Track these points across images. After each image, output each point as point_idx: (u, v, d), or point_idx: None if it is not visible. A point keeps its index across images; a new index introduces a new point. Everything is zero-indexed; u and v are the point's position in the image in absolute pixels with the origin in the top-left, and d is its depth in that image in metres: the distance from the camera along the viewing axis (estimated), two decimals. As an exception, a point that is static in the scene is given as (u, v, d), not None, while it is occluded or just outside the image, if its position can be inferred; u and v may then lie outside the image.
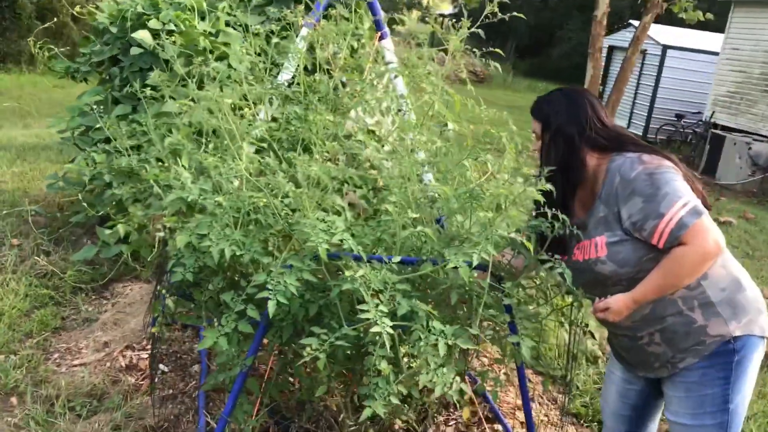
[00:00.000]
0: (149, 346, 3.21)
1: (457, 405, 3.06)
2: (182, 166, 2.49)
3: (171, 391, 3.02)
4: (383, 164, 2.47)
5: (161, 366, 3.22)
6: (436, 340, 1.91)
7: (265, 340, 2.44)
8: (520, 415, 3.20)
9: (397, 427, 2.65)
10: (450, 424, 2.99)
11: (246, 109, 2.61)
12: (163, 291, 2.54)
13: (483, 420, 2.98)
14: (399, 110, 3.01)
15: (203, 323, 2.53)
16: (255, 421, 2.41)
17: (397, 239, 2.11)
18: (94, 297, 4.11)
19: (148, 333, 3.19)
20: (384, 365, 1.97)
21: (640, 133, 15.50)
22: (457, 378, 1.96)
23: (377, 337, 1.84)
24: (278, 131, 2.89)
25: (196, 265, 2.25)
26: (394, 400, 1.95)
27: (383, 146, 3.04)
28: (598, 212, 2.03)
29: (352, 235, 2.04)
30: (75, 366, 3.22)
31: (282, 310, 2.25)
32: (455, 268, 1.95)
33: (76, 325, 3.70)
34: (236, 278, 2.40)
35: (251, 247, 2.17)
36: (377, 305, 1.86)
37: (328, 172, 2.09)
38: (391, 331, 1.82)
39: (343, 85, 3.45)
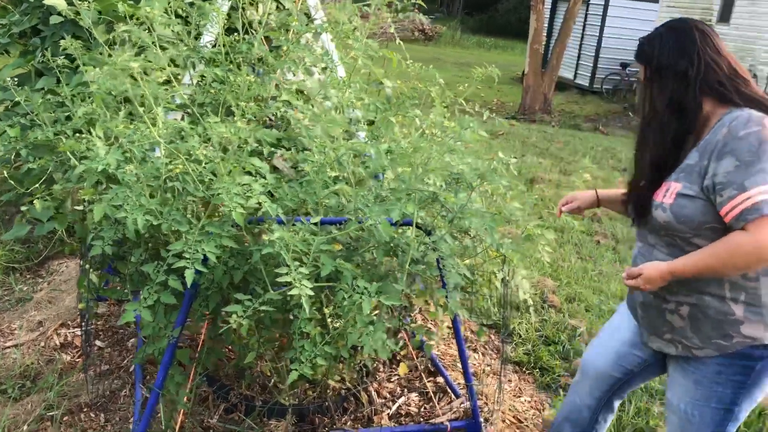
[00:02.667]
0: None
1: (396, 361, 3.08)
2: (96, 135, 2.39)
3: (107, 366, 2.96)
4: (302, 124, 2.41)
5: (98, 342, 3.16)
6: (361, 298, 1.89)
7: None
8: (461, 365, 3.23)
9: (334, 386, 2.65)
10: (392, 380, 3.00)
11: (159, 73, 2.51)
12: (87, 266, 2.46)
13: (423, 374, 3.00)
14: (325, 68, 2.94)
15: (129, 297, 2.47)
16: (188, 392, 2.37)
17: (319, 199, 2.06)
18: (29, 276, 3.99)
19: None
20: (309, 327, 1.95)
21: (587, 84, 15.64)
22: (383, 335, 1.95)
23: (302, 300, 1.81)
24: (200, 95, 2.81)
25: (116, 237, 2.18)
26: (321, 362, 1.94)
27: (312, 106, 2.98)
28: (688, 159, 1.81)
29: (271, 197, 1.99)
30: (7, 348, 3.13)
31: (207, 279, 2.21)
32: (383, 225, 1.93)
33: (8, 305, 3.59)
34: (159, 249, 2.33)
35: (169, 215, 2.11)
36: (297, 267, 1.83)
37: (237, 134, 2.03)
38: (310, 293, 1.79)
39: (269, 44, 3.36)
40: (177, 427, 2.38)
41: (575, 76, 16.44)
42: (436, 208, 2.28)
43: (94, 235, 2.20)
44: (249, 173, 2.23)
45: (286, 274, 1.80)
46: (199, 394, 2.73)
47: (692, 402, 1.90)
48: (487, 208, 2.79)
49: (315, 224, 2.02)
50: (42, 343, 3.16)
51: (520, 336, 3.67)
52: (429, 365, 3.12)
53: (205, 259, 1.98)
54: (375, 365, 2.88)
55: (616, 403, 2.28)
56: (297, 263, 1.85)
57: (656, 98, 1.85)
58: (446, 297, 2.18)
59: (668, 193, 1.81)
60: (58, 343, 3.17)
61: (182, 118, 2.91)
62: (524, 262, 4.40)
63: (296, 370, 1.89)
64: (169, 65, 3.01)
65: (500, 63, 20.63)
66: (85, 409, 2.65)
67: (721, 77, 1.78)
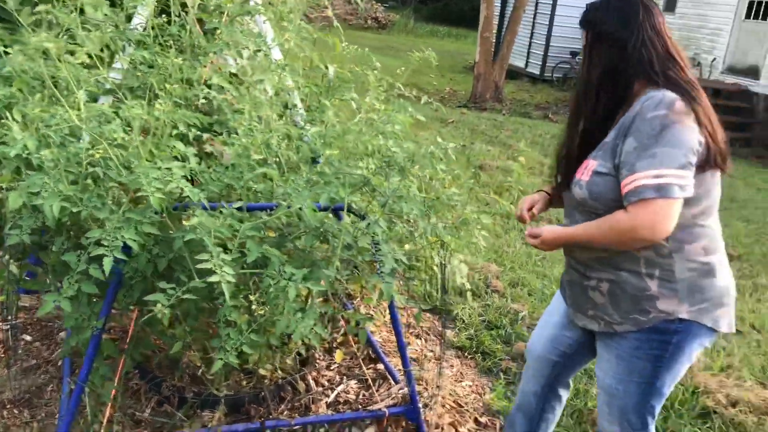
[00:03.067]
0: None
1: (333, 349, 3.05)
2: (13, 119, 2.29)
3: (35, 361, 2.86)
4: (227, 106, 2.34)
5: (26, 336, 3.04)
6: (287, 284, 1.84)
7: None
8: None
9: (270, 375, 2.60)
10: (332, 368, 2.97)
11: (82, 56, 2.40)
12: (6, 256, 2.36)
13: (362, 361, 2.97)
14: (258, 50, 2.87)
15: (51, 288, 2.38)
16: (116, 385, 2.30)
17: (244, 183, 2.01)
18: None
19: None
20: (235, 315, 1.90)
21: (537, 72, 15.79)
22: (312, 323, 1.91)
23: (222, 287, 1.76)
24: (130, 79, 2.71)
25: (35, 226, 2.09)
26: (248, 350, 1.89)
27: (247, 89, 2.90)
28: (608, 136, 1.83)
29: (190, 181, 1.92)
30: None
31: (131, 267, 2.13)
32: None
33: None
34: (81, 238, 2.24)
35: (89, 202, 2.02)
36: (219, 254, 1.77)
37: (152, 115, 1.96)
38: (231, 279, 1.74)
39: (202, 26, 3.26)
40: (104, 422, 2.30)
41: (526, 65, 16.57)
42: (369, 193, 2.24)
43: (12, 224, 2.10)
44: (177, 158, 2.16)
45: (207, 260, 1.74)
46: (131, 387, 2.66)
47: (616, 377, 1.94)
48: (425, 194, 2.77)
49: (240, 210, 1.96)
50: (-34, 339, 3.03)
51: (463, 321, 3.67)
52: (370, 352, 3.09)
53: (127, 248, 1.91)
54: (311, 353, 2.84)
55: (563, 393, 2.30)
56: (220, 250, 1.79)
57: (593, 67, 1.86)
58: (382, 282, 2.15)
59: (586, 171, 1.83)
60: (-17, 338, 3.04)
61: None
62: (469, 248, 4.42)
63: (221, 359, 1.84)
64: (103, 50, 2.91)
65: (453, 52, 20.73)
66: (8, 406, 2.55)
67: (653, 57, 1.79)
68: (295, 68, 3.08)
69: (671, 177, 1.66)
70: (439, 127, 9.00)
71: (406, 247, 2.66)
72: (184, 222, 1.80)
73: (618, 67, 1.82)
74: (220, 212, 1.96)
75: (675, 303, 1.81)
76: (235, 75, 3.12)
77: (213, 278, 1.72)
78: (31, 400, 2.60)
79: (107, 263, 1.84)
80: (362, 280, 2.29)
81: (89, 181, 2.13)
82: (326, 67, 3.13)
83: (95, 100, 2.71)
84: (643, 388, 1.91)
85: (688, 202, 1.73)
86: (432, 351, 3.35)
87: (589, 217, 1.84)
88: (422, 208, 2.06)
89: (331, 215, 2.11)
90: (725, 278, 1.89)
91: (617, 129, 1.80)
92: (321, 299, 2.50)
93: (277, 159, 2.23)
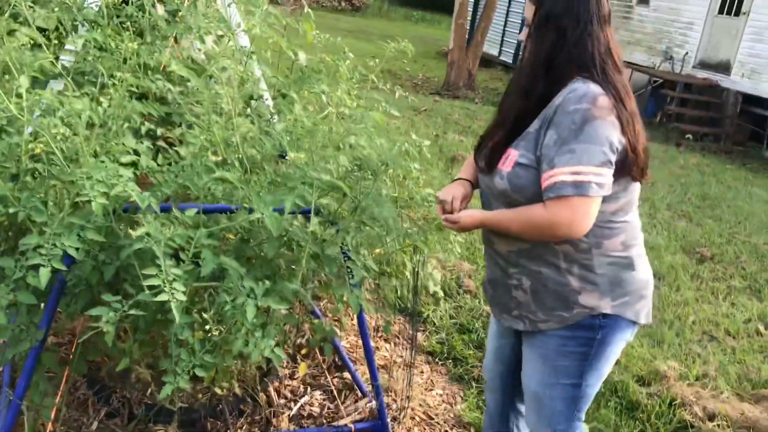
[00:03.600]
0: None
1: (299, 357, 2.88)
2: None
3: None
4: (181, 98, 2.14)
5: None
6: (244, 302, 1.66)
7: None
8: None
9: (223, 391, 2.43)
10: (295, 377, 2.80)
11: (24, 38, 2.17)
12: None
13: (327, 370, 2.81)
14: (221, 36, 2.66)
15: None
16: (59, 399, 2.10)
17: (201, 186, 1.81)
18: None
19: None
20: (186, 334, 1.72)
21: (510, 61, 15.68)
22: (272, 342, 1.73)
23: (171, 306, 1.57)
24: (81, 63, 2.49)
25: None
26: (201, 373, 1.71)
27: (211, 78, 2.70)
28: (531, 126, 1.75)
29: (144, 179, 1.73)
30: None
31: (74, 275, 1.94)
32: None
33: None
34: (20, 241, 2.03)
35: (27, 202, 1.82)
36: (168, 267, 1.58)
37: (101, 109, 1.76)
38: (182, 297, 1.55)
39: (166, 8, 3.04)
40: (44, 441, 2.10)
41: (500, 53, 16.46)
42: (339, 196, 2.07)
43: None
44: (129, 153, 1.96)
45: (155, 276, 1.56)
46: (78, 398, 2.46)
47: (541, 381, 1.89)
48: (398, 194, 2.61)
49: (197, 214, 1.78)
50: None
51: (434, 324, 3.52)
52: (336, 360, 2.93)
53: (70, 257, 1.71)
54: (272, 364, 2.67)
55: (523, 408, 2.19)
56: (171, 262, 1.61)
57: (534, 48, 1.77)
58: (350, 292, 1.99)
59: (507, 160, 1.76)
60: None
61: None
62: (441, 245, 4.27)
63: (170, 383, 1.66)
64: (53, 30, 2.68)
65: (426, 37, 20.53)
66: (-61, 419, 2.33)
67: (595, 51, 1.71)
68: (262, 56, 2.88)
69: (590, 174, 1.61)
70: (412, 116, 8.83)
71: (377, 251, 2.50)
72: (130, 231, 1.60)
73: (557, 53, 1.72)
74: (175, 218, 1.78)
75: (597, 297, 1.77)
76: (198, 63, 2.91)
77: (161, 297, 1.53)
78: (-35, 412, 2.39)
79: (44, 274, 1.64)
80: (330, 289, 2.12)
81: (28, 178, 1.92)
82: (296, 55, 2.93)
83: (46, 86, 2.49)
84: (569, 391, 1.86)
85: (606, 199, 1.69)
86: (401, 356, 3.20)
87: (509, 208, 1.78)
88: (392, 213, 1.90)
89: (296, 222, 1.93)
90: (644, 271, 1.85)
91: (540, 119, 1.73)
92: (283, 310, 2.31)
93: (239, 157, 2.04)
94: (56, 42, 2.61)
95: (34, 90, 2.04)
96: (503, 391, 2.19)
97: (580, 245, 1.75)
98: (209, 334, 1.74)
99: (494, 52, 16.38)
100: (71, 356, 2.23)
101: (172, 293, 1.54)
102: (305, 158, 1.83)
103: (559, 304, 1.79)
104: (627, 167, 1.69)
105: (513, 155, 1.75)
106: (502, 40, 16.34)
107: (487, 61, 15.58)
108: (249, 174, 2.07)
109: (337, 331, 2.52)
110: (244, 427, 2.45)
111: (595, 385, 1.89)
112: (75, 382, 2.49)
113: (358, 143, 2.01)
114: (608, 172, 1.64)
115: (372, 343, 3.16)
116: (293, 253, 1.97)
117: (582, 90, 1.66)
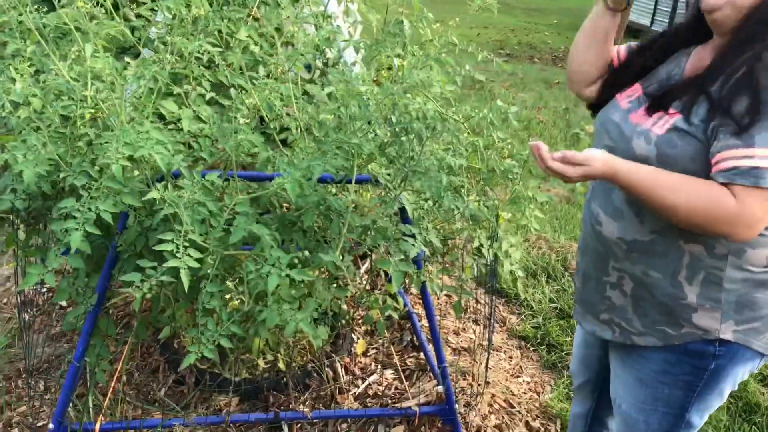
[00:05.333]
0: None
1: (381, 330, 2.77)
2: (19, 74, 2.13)
3: (60, 329, 2.77)
4: (223, 64, 2.06)
5: (63, 302, 2.97)
6: (269, 272, 1.57)
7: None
8: (453, 340, 2.90)
9: (283, 363, 2.37)
10: (369, 354, 2.70)
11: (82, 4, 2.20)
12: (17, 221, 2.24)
13: (404, 349, 2.69)
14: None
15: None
16: (124, 364, 2.14)
17: (230, 147, 1.72)
18: None
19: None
20: (215, 302, 1.66)
21: (660, 30, 14.56)
22: (310, 317, 1.63)
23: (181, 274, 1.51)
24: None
25: (30, 190, 1.94)
26: (227, 344, 1.65)
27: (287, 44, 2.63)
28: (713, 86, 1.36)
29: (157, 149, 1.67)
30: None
31: (124, 240, 1.95)
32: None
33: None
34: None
35: (77, 167, 1.83)
36: (186, 234, 1.52)
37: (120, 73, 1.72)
38: (195, 264, 1.49)
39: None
40: (106, 402, 2.15)
41: (652, 23, 15.32)
42: (385, 164, 1.93)
43: (1, 188, 1.97)
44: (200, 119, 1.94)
45: (171, 241, 1.51)
46: (150, 363, 2.51)
47: (636, 405, 1.58)
48: (482, 166, 2.41)
49: (228, 180, 1.71)
50: None
51: (531, 307, 3.29)
52: (414, 339, 2.80)
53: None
54: (340, 341, 2.58)
55: (610, 422, 1.95)
56: (191, 229, 1.55)
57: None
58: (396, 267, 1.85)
59: (660, 122, 1.39)
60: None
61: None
62: (551, 224, 3.98)
63: (194, 352, 1.61)
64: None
65: (576, 9, 19.54)
66: (23, 375, 2.47)
67: None
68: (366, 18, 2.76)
69: None
70: (542, 89, 8.41)
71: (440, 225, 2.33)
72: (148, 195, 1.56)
73: None
74: (211, 183, 1.72)
75: (716, 319, 1.42)
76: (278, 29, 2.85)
77: (171, 263, 1.48)
78: (48, 370, 2.51)
79: (76, 238, 1.64)
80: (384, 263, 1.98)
81: (81, 143, 1.94)
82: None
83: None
84: (669, 420, 1.55)
85: None
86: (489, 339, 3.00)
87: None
88: (439, 185, 1.72)
89: (333, 189, 1.82)
90: None
91: (723, 80, 1.32)
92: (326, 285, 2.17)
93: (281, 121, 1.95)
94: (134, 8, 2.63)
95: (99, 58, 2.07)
96: (589, 402, 1.95)
97: (717, 249, 1.39)
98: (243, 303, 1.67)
99: (645, 22, 15.25)
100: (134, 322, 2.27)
101: (185, 261, 1.47)
102: (330, 120, 1.71)
103: (664, 318, 1.46)
104: None
105: (671, 118, 1.38)
106: (655, 9, 15.18)
107: (637, 32, 14.56)
108: (299, 137, 1.97)
109: (397, 307, 2.38)
110: (307, 402, 2.39)
111: (701, 417, 1.57)
112: (149, 347, 2.54)
113: (406, 106, 1.84)
114: None
115: (457, 324, 3.01)
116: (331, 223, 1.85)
117: None
